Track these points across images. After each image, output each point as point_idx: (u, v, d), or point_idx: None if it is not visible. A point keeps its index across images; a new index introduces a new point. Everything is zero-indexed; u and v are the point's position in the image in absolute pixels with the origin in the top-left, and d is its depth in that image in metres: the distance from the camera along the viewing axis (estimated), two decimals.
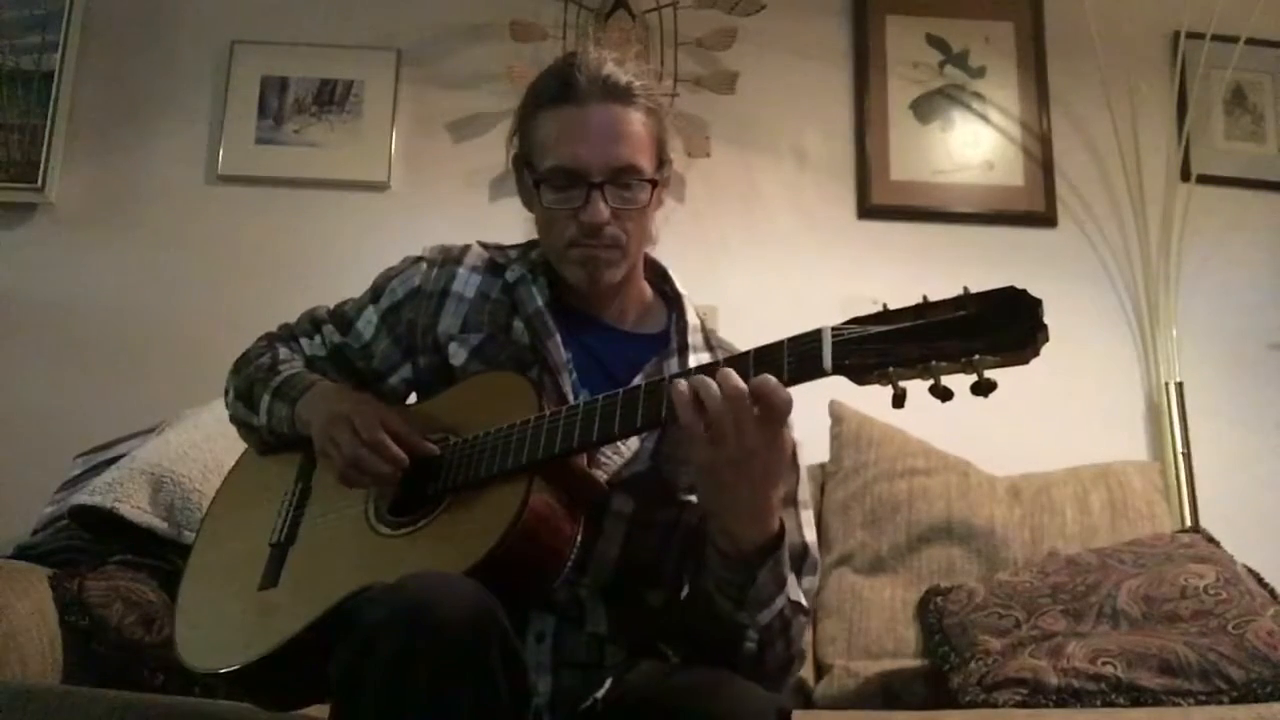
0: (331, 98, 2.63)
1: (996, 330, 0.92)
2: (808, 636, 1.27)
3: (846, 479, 2.22)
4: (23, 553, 1.93)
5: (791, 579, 1.19)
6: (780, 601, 1.16)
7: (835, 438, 2.29)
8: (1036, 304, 0.92)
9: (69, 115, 2.57)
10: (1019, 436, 2.41)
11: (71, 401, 2.39)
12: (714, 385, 1.05)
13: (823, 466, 2.30)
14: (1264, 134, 2.80)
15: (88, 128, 2.59)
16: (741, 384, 1.04)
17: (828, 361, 1.00)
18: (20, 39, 2.58)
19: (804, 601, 1.23)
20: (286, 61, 2.64)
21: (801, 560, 1.27)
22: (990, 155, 2.71)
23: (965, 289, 0.96)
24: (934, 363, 0.95)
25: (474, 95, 2.63)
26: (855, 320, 1.01)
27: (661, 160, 1.33)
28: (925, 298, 0.97)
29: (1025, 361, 0.92)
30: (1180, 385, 2.54)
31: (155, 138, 2.60)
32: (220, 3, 2.69)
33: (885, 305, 1.00)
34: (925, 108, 2.73)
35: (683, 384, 1.07)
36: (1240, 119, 2.79)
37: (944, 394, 0.95)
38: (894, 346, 0.96)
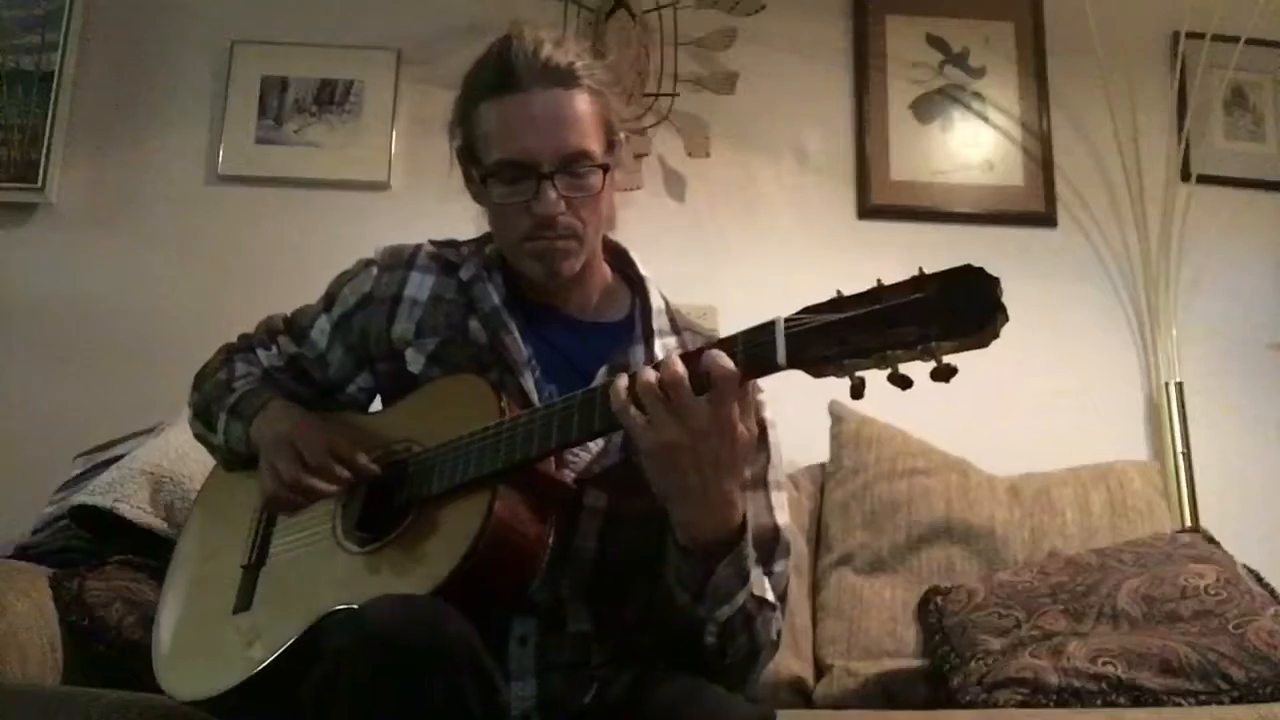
0: (331, 98, 2.63)
1: (954, 313, 0.88)
2: (780, 624, 1.24)
3: (846, 479, 2.22)
4: (23, 553, 1.94)
5: (756, 573, 1.16)
6: (742, 597, 1.14)
7: (835, 438, 2.28)
8: (994, 283, 0.88)
9: (69, 115, 2.56)
10: (1019, 436, 2.41)
11: (71, 401, 2.39)
12: (650, 372, 1.04)
13: (823, 466, 2.30)
14: (1264, 134, 2.80)
15: (88, 128, 2.58)
16: (680, 367, 1.03)
17: (781, 355, 0.98)
18: (20, 39, 2.58)
19: (770, 596, 1.20)
20: (286, 61, 2.64)
21: (773, 544, 1.25)
22: (990, 155, 2.71)
23: (920, 269, 0.92)
24: (890, 351, 0.91)
25: None
26: (808, 309, 0.98)
27: (611, 141, 1.27)
28: (879, 281, 0.94)
29: (985, 344, 0.88)
30: (1180, 385, 2.54)
31: (155, 138, 2.60)
32: (220, 3, 2.69)
33: (840, 291, 0.97)
34: (925, 108, 2.73)
35: (622, 378, 1.06)
36: (1240, 119, 2.79)
37: (903, 382, 0.92)
38: (848, 335, 0.93)
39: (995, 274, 0.89)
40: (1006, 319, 0.87)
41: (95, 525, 1.90)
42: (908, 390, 0.92)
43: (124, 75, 2.63)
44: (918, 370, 0.91)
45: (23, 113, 2.54)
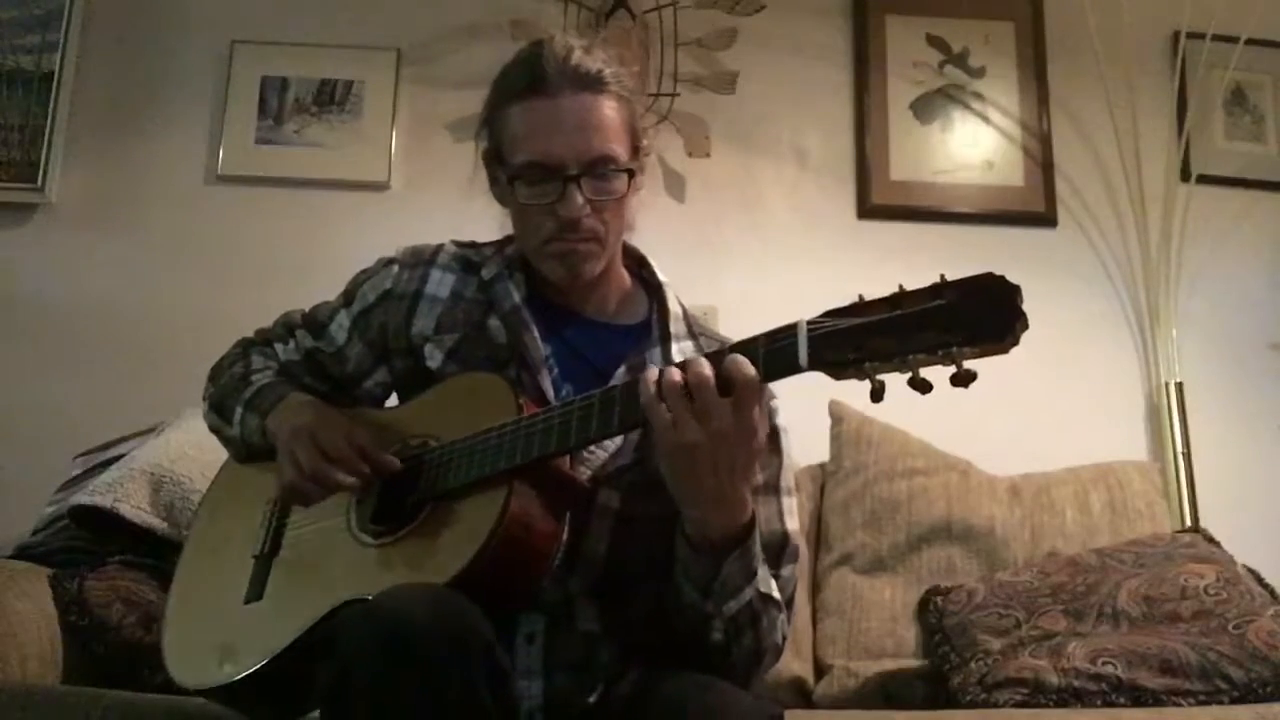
0: (331, 98, 2.63)
1: (974, 320, 0.90)
2: (786, 630, 1.26)
3: (846, 479, 2.21)
4: (23, 553, 1.94)
5: (763, 571, 1.17)
6: (749, 593, 1.15)
7: (835, 438, 2.28)
8: (1015, 290, 0.89)
9: (69, 115, 2.56)
10: (1019, 436, 2.41)
11: (71, 401, 2.39)
12: (676, 371, 1.05)
13: (823, 466, 2.30)
14: (1264, 134, 2.80)
15: (88, 128, 2.59)
16: (707, 369, 1.04)
17: (803, 357, 0.99)
18: (20, 39, 2.58)
19: (776, 594, 1.21)
20: (286, 61, 2.64)
21: (781, 549, 1.27)
22: (990, 155, 2.71)
23: (942, 276, 0.94)
24: (911, 356, 0.93)
25: (474, 95, 2.55)
26: (830, 313, 0.99)
27: (636, 147, 1.30)
28: (901, 287, 0.96)
29: (1005, 351, 0.90)
30: (1180, 385, 2.55)
31: (155, 138, 2.60)
32: (220, 3, 2.69)
33: (861, 296, 0.98)
34: (925, 108, 2.73)
35: (652, 371, 1.07)
36: (1240, 119, 2.79)
37: (923, 386, 0.93)
38: (870, 340, 0.95)
39: (1017, 284, 0.90)
40: (1026, 326, 0.89)
41: (95, 525, 1.90)
42: (927, 394, 0.93)
43: (124, 75, 2.63)
44: (937, 375, 0.93)
45: (23, 113, 2.54)
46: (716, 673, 1.15)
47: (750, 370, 1.03)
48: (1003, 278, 0.90)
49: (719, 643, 1.16)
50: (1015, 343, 0.89)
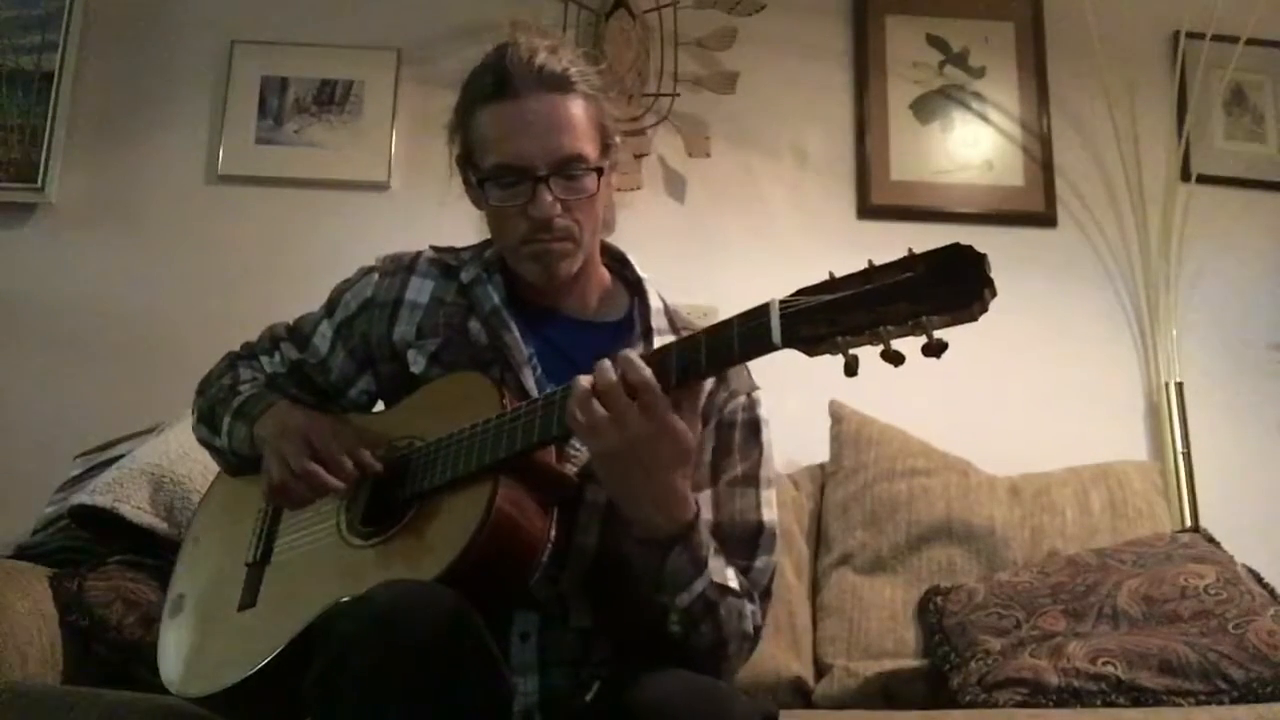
0: (331, 98, 2.63)
1: (944, 289, 0.91)
2: (758, 620, 1.25)
3: (846, 479, 2.21)
4: (23, 553, 1.94)
5: (715, 562, 1.17)
6: (700, 585, 1.15)
7: (835, 438, 2.28)
8: (981, 259, 0.90)
9: (69, 115, 2.56)
10: (1019, 436, 2.41)
11: (71, 401, 2.39)
12: (584, 379, 1.07)
13: (823, 466, 2.30)
14: (1264, 134, 2.79)
15: (88, 128, 2.58)
16: (611, 375, 1.06)
17: (776, 335, 1.00)
18: (20, 39, 2.58)
19: (732, 583, 1.20)
20: (286, 61, 2.64)
21: (756, 539, 1.27)
22: (990, 155, 2.71)
23: (909, 250, 0.94)
24: (883, 327, 0.94)
25: None
26: (802, 291, 1.00)
27: (606, 145, 1.31)
28: (870, 262, 0.97)
29: (974, 318, 0.91)
30: (1180, 385, 2.54)
31: (155, 138, 2.60)
32: (220, 3, 2.69)
33: (831, 273, 0.99)
34: (925, 108, 2.73)
35: (584, 378, 1.08)
36: (1240, 119, 2.79)
37: (895, 358, 0.94)
38: (842, 314, 0.96)
39: (996, 274, 0.90)
40: (994, 294, 0.90)
41: (95, 525, 1.90)
42: (900, 367, 0.94)
43: (124, 75, 2.63)
44: (910, 349, 0.93)
45: (23, 113, 2.54)
46: (684, 664, 1.15)
47: (645, 373, 1.04)
48: (970, 247, 0.91)
49: (678, 634, 1.17)
50: (984, 309, 0.90)
